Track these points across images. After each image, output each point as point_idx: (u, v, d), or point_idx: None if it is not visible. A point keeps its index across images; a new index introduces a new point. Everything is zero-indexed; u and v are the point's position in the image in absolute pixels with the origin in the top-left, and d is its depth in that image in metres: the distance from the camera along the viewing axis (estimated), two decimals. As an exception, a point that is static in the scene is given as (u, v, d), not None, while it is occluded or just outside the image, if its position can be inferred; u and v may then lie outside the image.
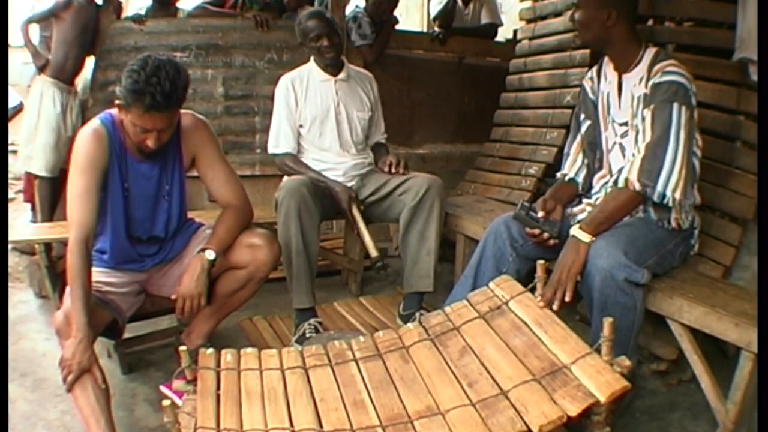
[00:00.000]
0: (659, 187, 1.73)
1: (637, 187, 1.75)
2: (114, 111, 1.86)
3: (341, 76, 2.67)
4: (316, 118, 2.62)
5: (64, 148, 3.21)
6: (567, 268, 1.71)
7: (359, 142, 2.74)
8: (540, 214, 1.94)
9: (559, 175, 2.19)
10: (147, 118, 1.72)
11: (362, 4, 4.02)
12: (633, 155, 1.82)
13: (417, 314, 2.46)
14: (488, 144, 3.45)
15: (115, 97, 1.77)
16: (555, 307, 1.66)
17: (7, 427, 1.67)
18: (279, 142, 2.63)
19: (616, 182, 1.84)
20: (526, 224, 1.92)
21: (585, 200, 2.07)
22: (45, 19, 3.32)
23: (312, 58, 2.67)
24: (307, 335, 2.33)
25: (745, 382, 1.62)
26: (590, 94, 2.08)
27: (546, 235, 1.91)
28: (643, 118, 1.81)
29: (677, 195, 1.74)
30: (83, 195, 1.78)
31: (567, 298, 1.68)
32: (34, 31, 3.43)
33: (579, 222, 1.81)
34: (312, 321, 2.40)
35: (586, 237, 1.73)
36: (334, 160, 2.65)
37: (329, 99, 2.64)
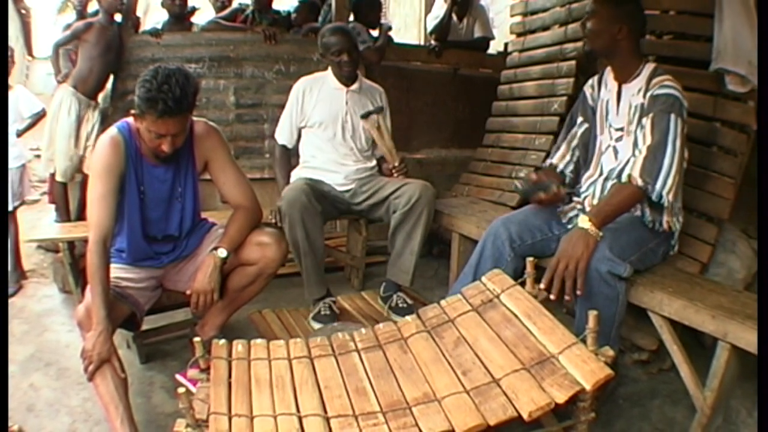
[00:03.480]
0: (658, 186, 1.75)
1: (640, 183, 1.76)
2: (130, 119, 1.86)
3: (353, 87, 2.69)
4: (323, 122, 2.64)
5: (76, 157, 3.22)
6: (575, 259, 1.68)
7: (363, 150, 2.74)
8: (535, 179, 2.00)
9: (547, 163, 2.20)
10: (161, 124, 1.72)
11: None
12: (634, 155, 1.83)
13: (395, 296, 2.60)
14: (481, 149, 3.45)
15: (132, 106, 1.78)
16: (567, 298, 1.67)
17: (7, 419, 1.66)
18: (279, 134, 2.75)
19: (619, 178, 1.84)
20: (534, 193, 1.94)
21: (575, 199, 2.08)
22: (70, 42, 3.34)
23: (330, 68, 2.69)
24: (322, 313, 2.46)
25: (722, 370, 1.61)
26: (590, 101, 2.10)
27: (554, 187, 1.94)
28: (642, 126, 1.83)
29: (671, 197, 1.76)
30: (101, 198, 1.79)
31: (579, 292, 1.68)
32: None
33: (585, 213, 1.80)
34: (327, 300, 2.49)
35: (593, 229, 1.72)
36: (337, 162, 2.66)
37: (338, 106, 2.66)
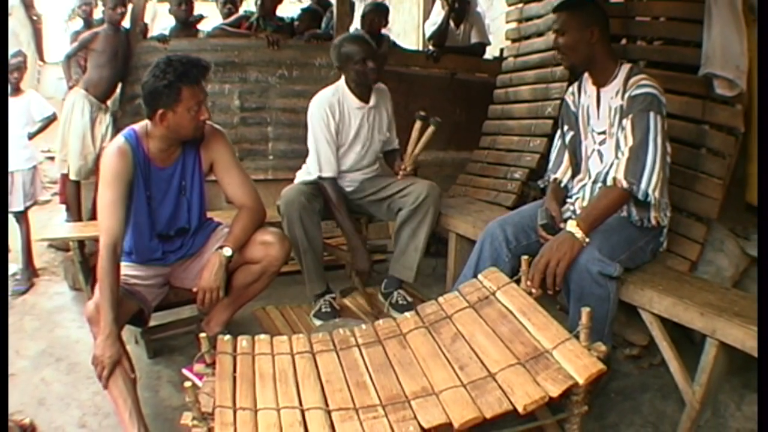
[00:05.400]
0: (643, 185, 1.73)
1: (625, 185, 1.74)
2: (137, 126, 1.87)
3: (372, 102, 2.54)
4: (346, 144, 2.54)
5: (90, 156, 3.23)
6: (557, 259, 1.69)
7: (372, 163, 2.69)
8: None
9: (551, 178, 2.16)
10: (198, 90, 1.80)
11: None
12: (617, 157, 1.82)
13: (395, 293, 2.58)
14: (477, 151, 3.44)
15: (158, 107, 1.79)
16: (550, 292, 1.68)
17: (7, 412, 1.66)
18: (323, 166, 2.47)
19: (605, 182, 1.83)
20: (549, 231, 1.87)
21: (568, 201, 2.08)
22: (79, 52, 3.35)
23: (342, 80, 2.52)
24: (323, 310, 2.44)
25: (710, 366, 1.61)
26: (572, 107, 2.08)
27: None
28: (623, 128, 1.81)
29: (656, 194, 1.75)
30: (110, 206, 1.80)
31: (557, 288, 1.69)
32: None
33: (573, 218, 1.80)
34: (327, 297, 2.47)
35: (580, 234, 1.71)
36: (345, 172, 2.60)
37: (362, 126, 2.54)
